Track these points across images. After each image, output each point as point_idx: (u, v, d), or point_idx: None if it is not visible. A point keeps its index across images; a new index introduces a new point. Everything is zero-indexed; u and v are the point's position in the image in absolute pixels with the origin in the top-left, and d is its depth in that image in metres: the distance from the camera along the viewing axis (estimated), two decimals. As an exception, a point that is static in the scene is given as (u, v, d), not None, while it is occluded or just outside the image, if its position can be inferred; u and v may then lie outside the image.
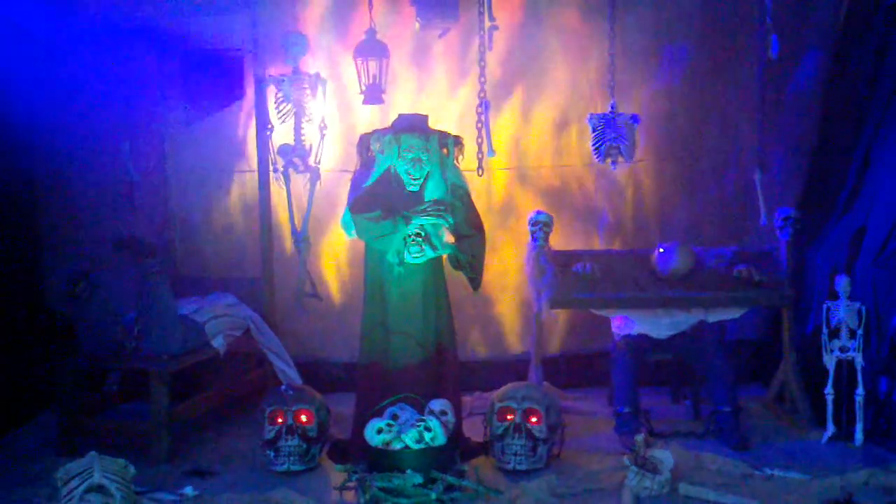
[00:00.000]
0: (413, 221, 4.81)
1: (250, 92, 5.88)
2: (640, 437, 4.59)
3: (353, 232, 4.97)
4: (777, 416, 5.59)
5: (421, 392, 4.82)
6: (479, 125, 5.56)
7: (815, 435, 5.18)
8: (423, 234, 4.84)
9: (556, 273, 5.50)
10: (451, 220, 4.86)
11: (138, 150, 5.89)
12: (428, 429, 4.49)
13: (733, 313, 5.62)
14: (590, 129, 5.75)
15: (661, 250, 5.49)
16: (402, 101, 5.93)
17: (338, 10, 5.97)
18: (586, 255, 5.69)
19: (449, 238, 4.95)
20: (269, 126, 5.80)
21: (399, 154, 4.86)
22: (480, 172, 5.56)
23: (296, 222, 5.90)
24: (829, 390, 5.12)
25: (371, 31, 5.67)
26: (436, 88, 6.09)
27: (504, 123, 6.08)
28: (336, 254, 6.17)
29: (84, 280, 5.06)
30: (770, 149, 5.90)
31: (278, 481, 4.62)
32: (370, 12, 5.67)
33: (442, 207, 4.83)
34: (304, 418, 4.84)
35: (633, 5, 5.93)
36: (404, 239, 4.82)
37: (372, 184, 4.91)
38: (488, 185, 5.98)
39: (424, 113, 5.07)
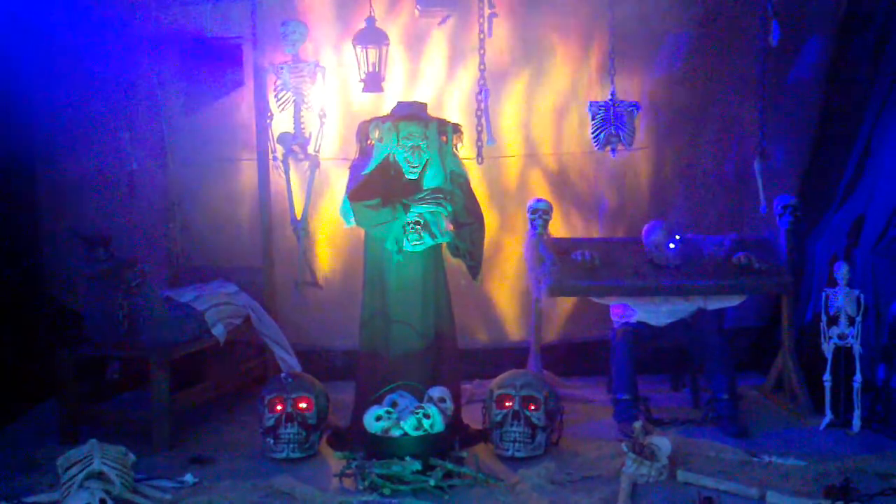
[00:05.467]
0: (412, 209, 4.81)
1: (250, 80, 5.87)
2: (638, 424, 4.60)
3: (352, 220, 4.97)
4: (775, 403, 5.61)
5: (420, 380, 4.83)
6: (479, 113, 5.56)
7: (813, 422, 5.19)
8: (421, 221, 4.84)
9: (556, 261, 5.50)
10: (450, 207, 4.85)
11: (138, 139, 5.89)
12: (427, 416, 4.50)
13: (732, 301, 5.64)
14: (590, 116, 5.75)
15: (672, 245, 5.47)
16: (401, 88, 5.94)
17: (337, -3, 5.98)
18: (585, 242, 5.69)
19: (448, 226, 4.95)
20: (269, 114, 5.79)
21: (398, 142, 4.85)
22: (480, 160, 5.56)
23: (295, 211, 5.91)
24: (827, 377, 5.13)
25: (370, 19, 5.65)
26: (435, 76, 6.07)
27: (504, 111, 6.06)
28: (336, 242, 6.17)
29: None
30: (770, 137, 5.87)
31: (278, 468, 4.64)
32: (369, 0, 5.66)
33: (441, 196, 4.83)
34: (303, 406, 4.85)
35: (633, -9, 5.92)
36: (403, 227, 4.83)
37: (371, 171, 4.90)
38: (487, 172, 5.97)
39: (423, 101, 5.06)
